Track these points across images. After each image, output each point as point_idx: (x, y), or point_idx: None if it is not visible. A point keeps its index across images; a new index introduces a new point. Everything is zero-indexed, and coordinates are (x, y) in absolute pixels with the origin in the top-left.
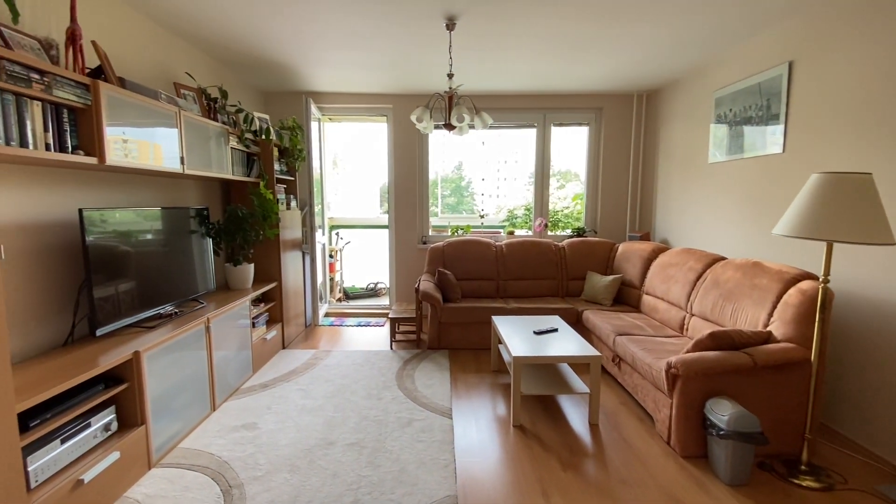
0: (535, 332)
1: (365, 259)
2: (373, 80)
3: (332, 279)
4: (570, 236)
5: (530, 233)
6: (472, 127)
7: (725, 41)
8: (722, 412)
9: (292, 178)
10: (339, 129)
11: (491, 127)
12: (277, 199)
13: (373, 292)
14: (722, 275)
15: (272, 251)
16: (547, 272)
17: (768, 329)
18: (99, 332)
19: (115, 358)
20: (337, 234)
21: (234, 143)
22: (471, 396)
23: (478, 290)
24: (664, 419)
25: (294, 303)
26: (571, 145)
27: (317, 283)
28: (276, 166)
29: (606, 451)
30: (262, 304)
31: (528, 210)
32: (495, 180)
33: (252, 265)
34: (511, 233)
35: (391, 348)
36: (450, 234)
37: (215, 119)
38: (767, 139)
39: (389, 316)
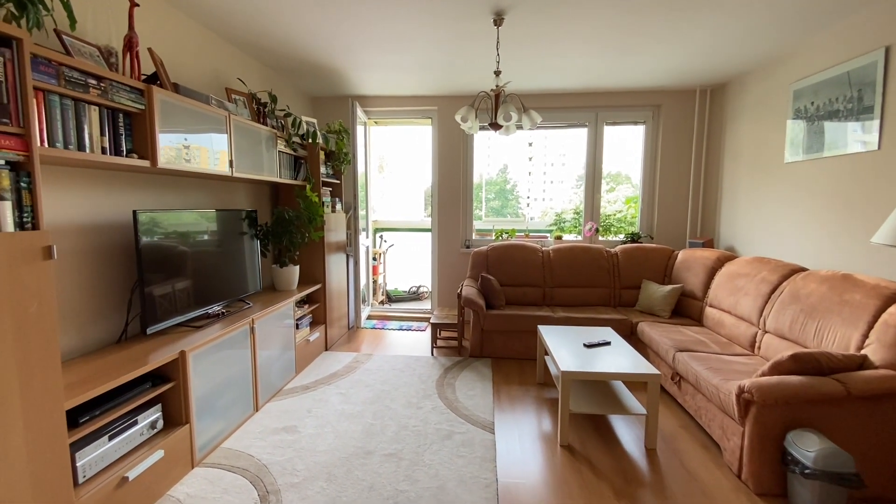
0: (585, 345)
1: (408, 262)
2: (417, 82)
3: (374, 282)
4: (623, 242)
5: (579, 238)
6: (519, 127)
7: (807, 27)
8: (808, 447)
9: (338, 181)
10: (384, 133)
11: (539, 127)
12: (323, 202)
13: (415, 296)
14: (803, 288)
15: (317, 253)
16: (598, 280)
17: (862, 353)
18: (150, 331)
19: (162, 357)
20: (381, 236)
21: (282, 146)
22: (514, 410)
23: (522, 297)
24: (734, 448)
25: (337, 305)
26: (622, 146)
27: (360, 286)
28: (323, 169)
29: (666, 481)
30: (307, 306)
31: (577, 214)
32: (541, 183)
33: (297, 267)
34: (559, 237)
35: (432, 354)
36: (494, 238)
37: (265, 123)
38: (857, 135)
39: (431, 321)
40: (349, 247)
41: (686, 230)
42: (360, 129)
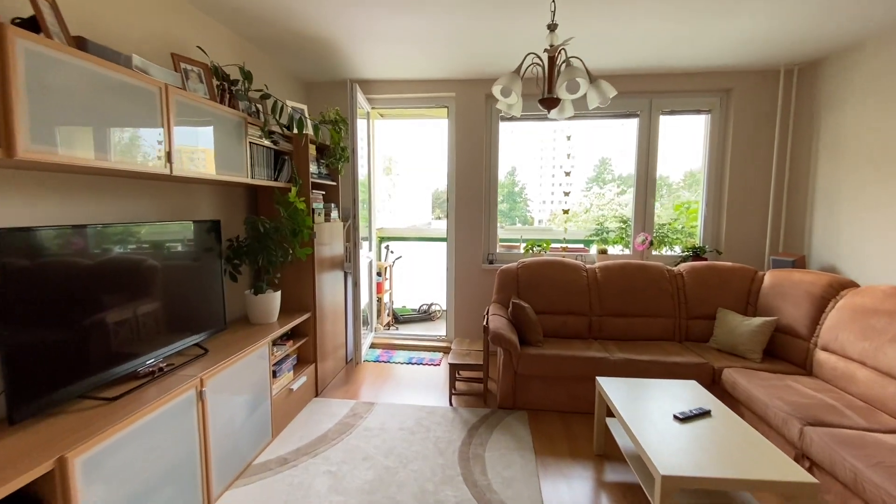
0: (677, 418)
1: (417, 275)
2: (432, 62)
3: (379, 300)
4: (684, 258)
5: (627, 251)
6: (571, 113)
7: None
8: None
9: (333, 183)
10: (391, 129)
11: (579, 116)
12: (313, 209)
13: (426, 315)
14: None
15: (305, 274)
16: (658, 307)
17: None
18: (19, 419)
19: (20, 472)
20: (387, 247)
21: (255, 136)
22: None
23: (563, 329)
24: None
25: (332, 335)
26: (670, 142)
27: (360, 312)
28: (314, 168)
29: None
30: (291, 343)
31: (623, 222)
32: (549, 185)
33: (278, 293)
34: (603, 252)
35: (450, 404)
36: (524, 252)
37: (232, 105)
38: None
39: (449, 361)
40: (348, 263)
41: (765, 244)
42: (362, 123)
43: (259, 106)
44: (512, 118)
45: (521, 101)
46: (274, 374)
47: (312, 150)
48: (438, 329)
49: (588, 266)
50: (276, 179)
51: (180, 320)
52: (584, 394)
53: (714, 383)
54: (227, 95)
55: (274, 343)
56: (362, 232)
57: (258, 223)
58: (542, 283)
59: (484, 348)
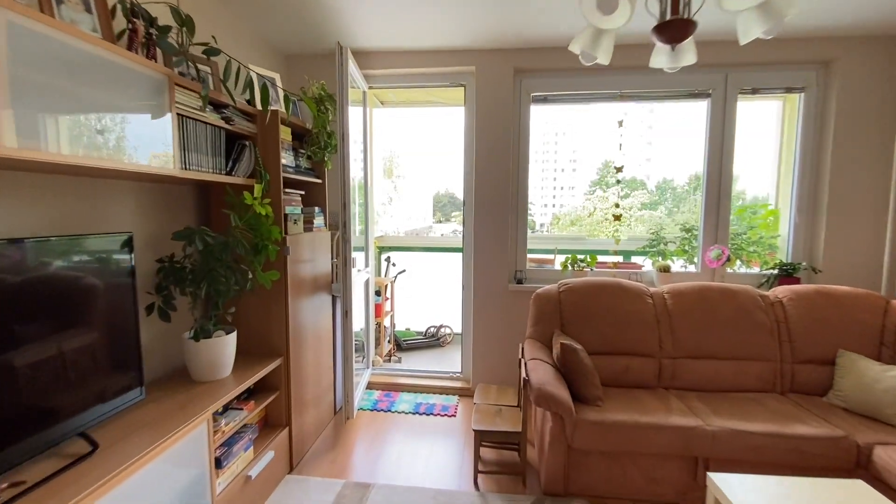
0: None
1: (423, 291)
2: (446, 25)
3: (378, 326)
4: (769, 279)
5: (692, 268)
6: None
7: None
8: None
9: (318, 181)
10: (392, 120)
11: (628, 95)
12: (286, 215)
13: (434, 339)
14: None
15: (274, 304)
16: (753, 347)
17: None
18: None
19: None
20: (387, 259)
21: (191, 107)
22: None
23: (624, 376)
24: None
25: (314, 381)
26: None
27: (352, 351)
28: (288, 159)
29: None
30: (252, 404)
31: (687, 231)
32: (559, 188)
33: (233, 335)
34: (665, 269)
35: (475, 485)
36: (560, 268)
37: (149, 56)
38: None
39: (473, 426)
40: (336, 284)
41: (882, 261)
42: (357, 111)
43: (206, 70)
44: (546, 99)
45: (606, 45)
46: (219, 464)
47: (286, 134)
48: (451, 359)
49: (652, 290)
50: (229, 172)
51: (47, 398)
52: (670, 477)
53: (859, 465)
54: (146, 45)
55: (224, 410)
56: (357, 242)
57: (197, 237)
58: (594, 313)
59: (522, 407)
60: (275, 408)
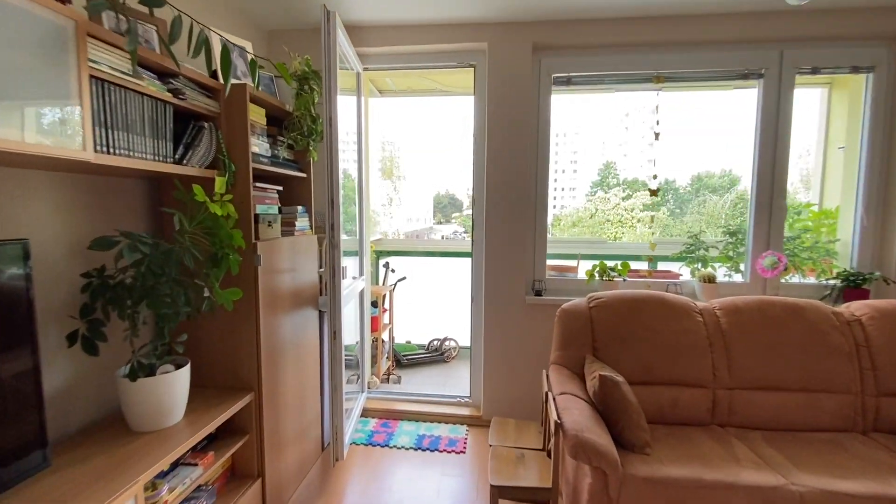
0: None
1: (425, 299)
2: None
3: (374, 342)
4: (832, 290)
5: (738, 277)
6: None
7: None
8: None
9: (301, 175)
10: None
11: (661, 78)
12: (257, 216)
13: (438, 354)
14: None
15: (242, 325)
16: (828, 375)
17: None
18: None
19: None
20: (385, 265)
21: (116, 70)
22: None
23: (672, 410)
24: None
25: (296, 415)
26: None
27: (341, 379)
28: (260, 146)
29: None
30: (211, 456)
31: (731, 234)
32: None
33: (185, 368)
34: (710, 280)
35: None
36: (586, 278)
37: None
38: None
39: (491, 481)
40: (323, 297)
41: None
42: (350, 99)
43: (149, 27)
44: (570, 81)
45: None
46: None
47: (259, 115)
48: (457, 377)
49: (700, 305)
50: (179, 161)
51: None
52: None
53: None
54: None
55: (173, 467)
56: (350, 246)
57: (126, 245)
58: (632, 333)
59: (553, 458)
60: (244, 455)
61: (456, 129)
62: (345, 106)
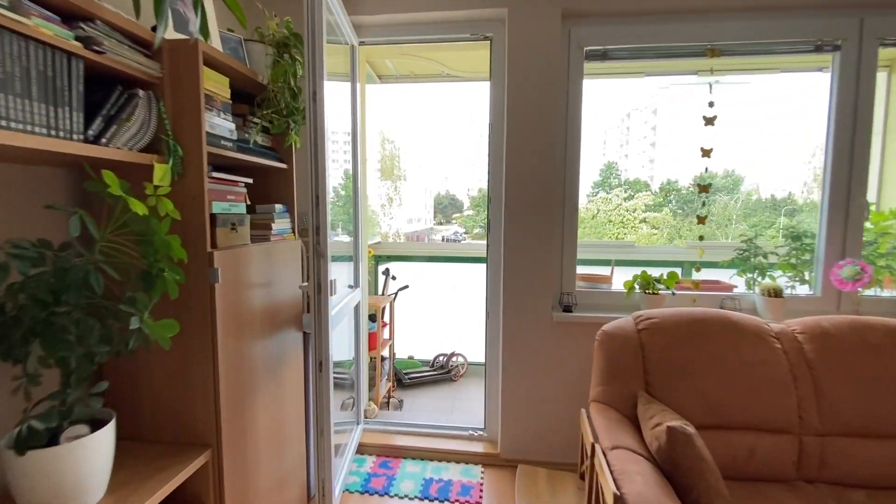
0: None
1: (428, 309)
2: None
3: (372, 362)
4: None
5: (805, 290)
6: None
7: None
8: None
9: (280, 165)
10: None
11: (716, 51)
12: (214, 217)
13: (444, 372)
14: None
15: (194, 361)
16: None
17: None
18: None
19: None
20: (385, 272)
21: None
22: None
23: (748, 463)
24: None
25: (274, 462)
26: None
27: (329, 414)
28: (219, 127)
29: None
30: None
31: (795, 239)
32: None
33: (108, 428)
34: (775, 294)
35: None
36: (625, 290)
37: None
38: None
39: None
40: (308, 314)
41: None
42: (343, 84)
43: None
44: (606, 55)
45: None
46: None
47: (218, 85)
48: (466, 399)
49: (774, 327)
50: (97, 139)
51: None
52: None
53: None
54: None
55: None
56: (343, 250)
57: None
58: (694, 363)
59: None
60: None
61: (462, 122)
62: (338, 92)
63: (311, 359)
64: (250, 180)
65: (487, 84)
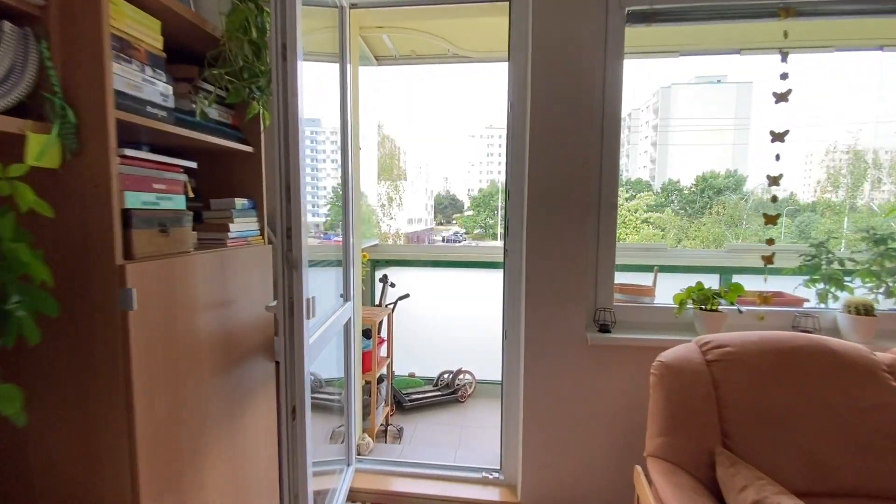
0: None
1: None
2: None
3: (367, 386)
4: None
5: (889, 303)
6: None
7: None
8: None
9: (245, 148)
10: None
11: (790, 10)
12: (129, 213)
13: (450, 392)
14: None
15: (101, 421)
16: None
17: None
18: None
19: None
20: (383, 279)
21: None
22: None
23: None
24: None
25: None
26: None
27: (307, 478)
28: (150, 88)
29: None
30: None
31: (878, 244)
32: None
33: None
34: (866, 311)
35: None
36: (676, 306)
37: None
38: None
39: None
40: (280, 338)
41: None
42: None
43: None
44: (651, 16)
45: None
46: None
47: (142, 27)
48: (475, 425)
49: (882, 358)
50: None
51: None
52: None
53: None
54: None
55: None
56: (331, 255)
57: None
58: (787, 408)
59: None
60: None
61: (466, 113)
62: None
63: (282, 402)
64: (193, 164)
65: (498, 66)
